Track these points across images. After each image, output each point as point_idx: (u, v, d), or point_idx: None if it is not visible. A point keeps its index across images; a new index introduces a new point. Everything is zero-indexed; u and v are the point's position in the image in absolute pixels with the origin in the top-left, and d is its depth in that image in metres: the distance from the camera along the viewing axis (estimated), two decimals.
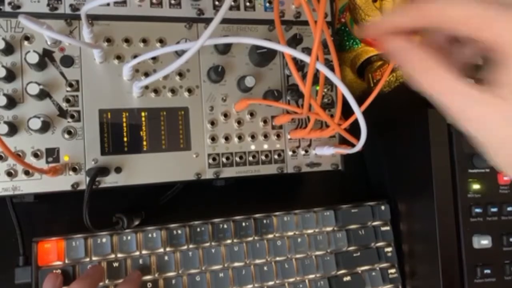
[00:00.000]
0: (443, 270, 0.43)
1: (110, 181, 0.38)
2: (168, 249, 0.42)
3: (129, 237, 0.42)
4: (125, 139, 0.39)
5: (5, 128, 0.35)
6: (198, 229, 0.43)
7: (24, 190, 0.37)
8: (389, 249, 0.49)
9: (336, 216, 0.47)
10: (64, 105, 0.38)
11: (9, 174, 0.36)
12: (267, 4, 0.43)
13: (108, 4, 0.39)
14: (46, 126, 0.37)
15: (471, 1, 0.22)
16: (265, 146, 0.43)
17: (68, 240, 0.40)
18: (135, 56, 0.38)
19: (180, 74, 0.40)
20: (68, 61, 0.38)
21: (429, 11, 0.23)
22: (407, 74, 0.25)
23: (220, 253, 0.43)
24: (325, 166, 0.45)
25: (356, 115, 0.30)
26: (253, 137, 0.42)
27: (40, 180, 0.37)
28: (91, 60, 0.38)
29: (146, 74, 0.39)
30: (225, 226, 0.44)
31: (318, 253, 0.46)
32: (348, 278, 0.47)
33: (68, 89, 0.38)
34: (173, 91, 0.40)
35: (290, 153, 0.44)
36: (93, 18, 0.38)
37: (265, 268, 0.44)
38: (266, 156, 0.43)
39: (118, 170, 0.39)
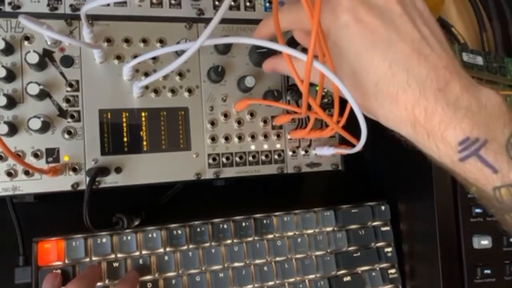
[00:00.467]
0: (443, 270, 0.43)
1: (110, 181, 0.38)
2: (168, 249, 0.42)
3: (129, 237, 0.42)
4: (125, 139, 0.39)
5: (5, 128, 0.35)
6: (198, 229, 0.43)
7: (24, 190, 0.37)
8: (389, 249, 0.49)
9: (336, 216, 0.47)
10: (64, 105, 0.38)
11: (9, 174, 0.36)
12: (267, 4, 0.43)
13: (108, 4, 0.39)
14: (46, 126, 0.37)
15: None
16: (265, 146, 0.43)
17: (68, 240, 0.40)
18: (135, 56, 0.38)
19: (180, 74, 0.40)
20: (68, 61, 0.38)
21: (271, 24, 0.34)
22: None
23: (220, 253, 0.43)
24: (325, 166, 0.45)
25: (354, 111, 0.30)
26: (253, 137, 0.42)
27: (40, 180, 0.37)
28: (91, 60, 0.38)
29: (146, 74, 0.39)
30: (225, 226, 0.44)
31: (318, 253, 0.46)
32: (348, 278, 0.47)
33: (68, 89, 0.38)
34: (173, 91, 0.40)
35: (290, 153, 0.44)
36: (93, 18, 0.38)
37: (265, 268, 0.44)
38: (266, 156, 0.43)
39: (118, 170, 0.39)
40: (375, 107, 0.31)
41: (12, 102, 0.36)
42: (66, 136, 0.37)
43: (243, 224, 0.45)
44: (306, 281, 0.45)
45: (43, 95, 0.37)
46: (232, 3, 0.42)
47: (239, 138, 0.42)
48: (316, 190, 0.55)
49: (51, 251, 0.40)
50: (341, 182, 0.53)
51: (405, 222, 0.49)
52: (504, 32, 0.55)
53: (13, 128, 0.36)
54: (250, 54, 0.42)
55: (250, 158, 0.42)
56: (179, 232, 0.43)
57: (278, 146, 0.43)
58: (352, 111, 0.31)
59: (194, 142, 0.41)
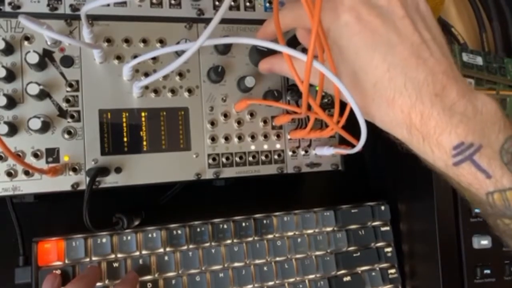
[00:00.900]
0: (443, 270, 0.43)
1: (110, 181, 0.38)
2: (168, 249, 0.42)
3: (129, 237, 0.42)
4: (125, 139, 0.39)
5: (5, 128, 0.35)
6: (198, 229, 0.43)
7: (24, 190, 0.37)
8: (389, 249, 0.49)
9: (336, 216, 0.47)
10: (64, 105, 0.38)
11: (9, 174, 0.36)
12: (267, 4, 0.43)
13: (108, 4, 0.39)
14: (46, 126, 0.37)
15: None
16: (265, 146, 0.43)
17: (68, 240, 0.40)
18: (135, 56, 0.38)
19: (180, 74, 0.40)
20: (68, 61, 0.38)
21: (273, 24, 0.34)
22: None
23: (220, 253, 0.43)
24: (325, 166, 0.45)
25: (353, 111, 0.30)
26: (253, 137, 0.42)
27: (40, 180, 0.37)
28: (91, 60, 0.38)
29: (146, 74, 0.39)
30: (225, 226, 0.44)
31: (318, 253, 0.46)
32: (348, 278, 0.47)
33: (68, 89, 0.38)
34: (173, 91, 0.40)
35: (290, 153, 0.44)
36: (93, 18, 0.38)
37: (265, 268, 0.44)
38: (266, 156, 0.43)
39: (118, 170, 0.39)
40: (372, 109, 0.31)
41: (12, 102, 0.36)
42: (66, 136, 0.37)
43: (243, 224, 0.45)
44: (306, 281, 0.45)
45: (43, 95, 0.37)
46: (232, 3, 0.42)
47: (239, 138, 0.42)
48: (316, 190, 0.55)
49: (51, 251, 0.40)
50: (341, 182, 0.53)
51: (405, 222, 0.49)
52: (504, 32, 0.55)
53: (13, 128, 0.36)
54: (250, 54, 0.42)
55: (250, 158, 0.42)
56: (179, 232, 0.43)
57: (278, 146, 0.43)
58: (352, 111, 0.31)
59: (194, 142, 0.41)
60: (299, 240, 0.46)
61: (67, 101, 0.38)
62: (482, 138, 0.28)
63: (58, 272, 0.39)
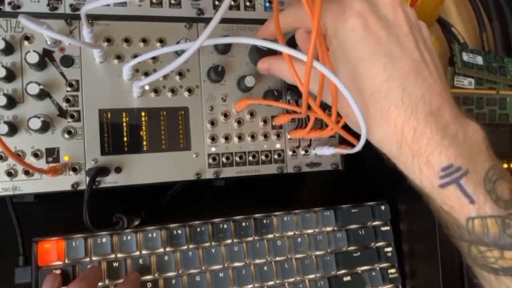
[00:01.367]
0: (443, 270, 0.43)
1: (110, 181, 0.38)
2: (168, 249, 0.42)
3: (129, 237, 0.42)
4: (125, 139, 0.39)
5: (5, 128, 0.35)
6: (198, 229, 0.43)
7: (24, 190, 0.37)
8: (389, 249, 0.49)
9: (336, 216, 0.47)
10: (64, 105, 0.38)
11: (9, 174, 0.36)
12: (267, 4, 0.43)
13: (108, 4, 0.38)
14: (46, 126, 0.37)
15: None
16: (265, 146, 0.43)
17: (68, 240, 0.40)
18: (135, 56, 0.38)
19: (180, 74, 0.40)
20: (68, 61, 0.38)
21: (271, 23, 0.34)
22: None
23: (220, 253, 0.43)
24: (325, 166, 0.45)
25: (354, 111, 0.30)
26: (253, 137, 0.42)
27: (40, 180, 0.37)
28: (91, 60, 0.38)
29: (146, 74, 0.39)
30: (225, 226, 0.44)
31: (318, 253, 0.46)
32: (348, 278, 0.47)
33: (68, 89, 0.38)
34: (173, 91, 0.40)
35: (290, 153, 0.44)
36: (93, 18, 0.38)
37: (265, 268, 0.44)
38: (266, 156, 0.43)
39: (118, 170, 0.39)
40: (366, 118, 0.31)
41: (12, 102, 0.36)
42: (66, 136, 0.37)
43: (243, 224, 0.45)
44: (306, 281, 0.45)
45: (43, 95, 0.37)
46: (232, 3, 0.42)
47: (239, 138, 0.42)
48: (316, 190, 0.55)
49: (51, 251, 0.40)
50: (341, 182, 0.53)
51: (405, 222, 0.49)
52: (504, 32, 0.55)
53: (13, 128, 0.36)
54: (250, 54, 0.42)
55: (250, 158, 0.42)
56: (179, 232, 0.43)
57: (278, 146, 0.43)
58: None
59: (194, 142, 0.41)
60: (299, 240, 0.46)
61: (67, 101, 0.38)
62: (470, 163, 0.29)
63: (58, 272, 0.39)
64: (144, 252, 0.42)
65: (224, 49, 0.41)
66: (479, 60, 0.50)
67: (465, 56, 0.50)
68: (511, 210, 0.29)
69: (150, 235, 0.42)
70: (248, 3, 0.42)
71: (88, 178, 0.37)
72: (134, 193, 0.41)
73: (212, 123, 0.41)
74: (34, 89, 0.35)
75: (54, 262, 0.40)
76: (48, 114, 0.37)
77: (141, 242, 0.42)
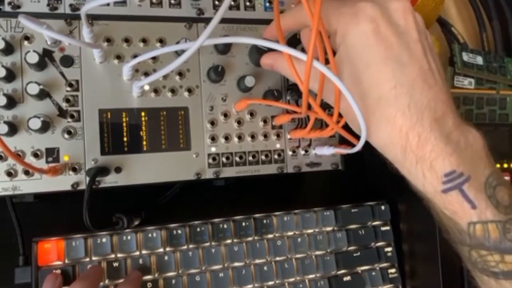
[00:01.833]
0: (443, 270, 0.43)
1: (110, 181, 0.38)
2: (168, 249, 0.42)
3: (129, 237, 0.42)
4: (125, 139, 0.39)
5: (5, 128, 0.35)
6: (198, 229, 0.43)
7: (24, 190, 0.37)
8: (389, 249, 0.49)
9: (336, 216, 0.47)
10: (64, 105, 0.38)
11: (9, 174, 0.36)
12: (267, 4, 0.43)
13: (108, 4, 0.39)
14: (46, 126, 0.37)
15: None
16: (265, 146, 0.43)
17: (68, 240, 0.40)
18: (135, 56, 0.38)
19: (180, 74, 0.40)
20: (68, 61, 0.38)
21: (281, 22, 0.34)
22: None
23: (220, 253, 0.43)
24: (325, 166, 0.45)
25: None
26: (253, 137, 0.42)
27: (40, 180, 0.37)
28: (91, 60, 0.38)
29: (146, 74, 0.39)
30: (225, 226, 0.44)
31: (318, 253, 0.46)
32: (348, 278, 0.47)
33: (68, 89, 0.38)
34: (173, 91, 0.40)
35: (290, 153, 0.44)
36: (93, 18, 0.38)
37: (265, 268, 0.44)
38: (266, 156, 0.43)
39: (118, 170, 0.39)
40: (371, 122, 0.31)
41: (12, 102, 0.36)
42: (66, 136, 0.37)
43: (243, 224, 0.45)
44: (306, 281, 0.45)
45: (43, 95, 0.37)
46: (232, 3, 0.42)
47: (239, 138, 0.42)
48: (316, 190, 0.55)
49: (51, 251, 0.40)
50: (341, 182, 0.53)
51: (405, 222, 0.49)
52: (504, 32, 0.55)
53: (13, 128, 0.36)
54: (250, 54, 0.42)
55: (250, 158, 0.42)
56: (179, 232, 0.43)
57: (278, 146, 0.43)
58: None
59: (194, 142, 0.41)
60: (299, 240, 0.46)
61: (67, 101, 0.38)
62: (472, 169, 0.30)
63: (59, 272, 0.39)
64: (144, 252, 0.42)
65: (224, 49, 0.41)
66: (479, 60, 0.50)
67: (465, 56, 0.50)
68: (511, 215, 0.30)
69: (150, 235, 0.42)
70: (248, 3, 0.42)
71: (88, 178, 0.37)
72: (134, 193, 0.41)
73: (212, 123, 0.41)
74: (34, 89, 0.35)
75: (54, 262, 0.40)
76: (48, 114, 0.37)
77: (141, 242, 0.42)
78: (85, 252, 0.40)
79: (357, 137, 0.34)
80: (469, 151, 0.30)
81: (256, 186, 0.50)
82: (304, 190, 0.55)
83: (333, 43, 0.32)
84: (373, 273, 0.48)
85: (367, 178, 0.56)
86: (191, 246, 0.43)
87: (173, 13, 0.40)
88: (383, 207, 0.49)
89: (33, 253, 0.40)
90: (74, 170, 0.37)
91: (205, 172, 0.41)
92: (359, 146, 0.35)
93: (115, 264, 0.41)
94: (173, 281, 0.42)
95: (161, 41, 0.40)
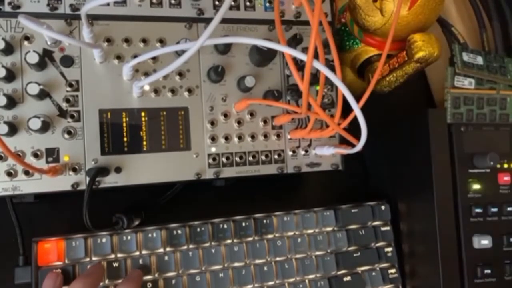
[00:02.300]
0: (443, 270, 0.43)
1: (110, 181, 0.38)
2: (168, 249, 0.42)
3: (129, 237, 0.42)
4: (125, 139, 0.39)
5: (5, 128, 0.35)
6: (198, 229, 0.43)
7: (24, 190, 0.37)
8: (389, 249, 0.49)
9: (336, 216, 0.47)
10: (64, 105, 0.38)
11: (9, 174, 0.36)
12: (267, 4, 0.43)
13: (108, 4, 0.39)
14: (46, 126, 0.37)
15: None
16: (265, 146, 0.43)
17: (68, 240, 0.40)
18: (135, 56, 0.38)
19: (180, 74, 0.40)
20: (68, 61, 0.38)
21: None
22: None
23: (220, 253, 0.43)
24: (325, 166, 0.45)
25: (355, 114, 0.30)
26: (253, 137, 0.42)
27: (40, 180, 0.37)
28: (91, 60, 0.38)
29: (146, 74, 0.39)
30: (225, 226, 0.44)
31: (318, 253, 0.46)
32: (348, 278, 0.47)
33: (68, 89, 0.38)
34: (173, 91, 0.40)
35: (290, 153, 0.44)
36: (93, 18, 0.38)
37: (265, 268, 0.44)
38: (266, 156, 0.43)
39: (118, 170, 0.39)
40: None
41: (12, 102, 0.36)
42: (66, 136, 0.37)
43: (243, 224, 0.45)
44: (306, 281, 0.45)
45: (43, 95, 0.37)
46: (232, 3, 0.42)
47: (239, 138, 0.42)
48: (316, 190, 0.55)
49: (51, 251, 0.40)
50: (341, 182, 0.53)
51: (405, 222, 0.49)
52: (504, 32, 0.55)
53: (13, 128, 0.36)
54: (250, 54, 0.42)
55: (250, 158, 0.42)
56: (179, 232, 0.43)
57: (278, 146, 0.43)
58: (351, 111, 0.31)
59: (194, 142, 0.41)
60: (299, 240, 0.46)
61: (67, 101, 0.38)
62: None
63: (59, 271, 0.39)
64: (144, 252, 0.42)
65: (224, 49, 0.41)
66: (479, 60, 0.50)
67: (465, 56, 0.50)
68: None
69: (150, 235, 0.42)
70: (248, 3, 0.42)
71: (88, 178, 0.38)
72: (134, 193, 0.41)
73: (212, 123, 0.41)
74: (34, 89, 0.35)
75: (54, 262, 0.40)
76: (48, 114, 0.37)
77: (141, 242, 0.42)
78: (85, 252, 0.40)
79: (357, 137, 0.34)
80: None
81: (256, 186, 0.50)
82: (304, 190, 0.55)
83: None
84: (373, 273, 0.48)
85: (367, 178, 0.56)
86: (191, 246, 0.43)
87: (173, 13, 0.40)
88: (383, 207, 0.49)
89: (33, 253, 0.40)
90: (74, 170, 0.37)
91: (205, 172, 0.41)
92: (359, 146, 0.35)
93: (115, 264, 0.41)
94: (173, 281, 0.42)
95: (161, 41, 0.40)
